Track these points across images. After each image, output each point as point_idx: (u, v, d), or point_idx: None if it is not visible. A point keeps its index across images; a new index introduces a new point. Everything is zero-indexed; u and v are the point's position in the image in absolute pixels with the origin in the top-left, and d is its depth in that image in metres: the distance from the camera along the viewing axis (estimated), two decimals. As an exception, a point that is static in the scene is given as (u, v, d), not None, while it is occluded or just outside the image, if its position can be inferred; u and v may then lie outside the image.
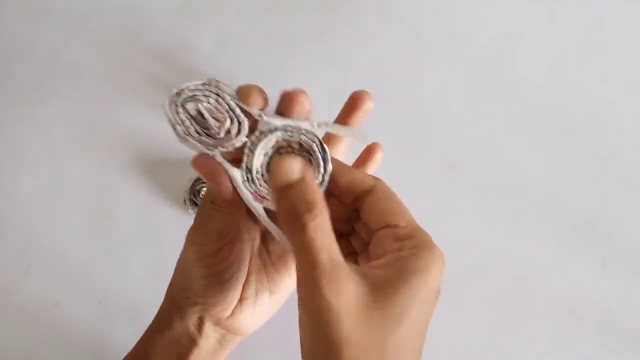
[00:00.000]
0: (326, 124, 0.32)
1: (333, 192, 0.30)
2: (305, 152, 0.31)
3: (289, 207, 0.24)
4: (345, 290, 0.23)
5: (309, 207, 0.24)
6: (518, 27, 0.63)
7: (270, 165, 0.29)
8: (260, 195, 0.29)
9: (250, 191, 0.29)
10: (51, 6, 0.69)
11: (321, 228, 0.24)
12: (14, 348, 0.59)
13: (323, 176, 0.29)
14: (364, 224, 0.30)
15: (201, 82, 0.30)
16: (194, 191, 0.57)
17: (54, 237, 0.61)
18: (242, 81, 0.64)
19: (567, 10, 0.63)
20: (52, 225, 0.62)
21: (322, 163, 0.29)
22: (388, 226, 0.27)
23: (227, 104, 0.30)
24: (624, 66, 0.61)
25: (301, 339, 0.26)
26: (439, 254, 0.26)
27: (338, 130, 0.31)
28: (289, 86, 0.63)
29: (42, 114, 0.65)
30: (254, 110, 0.30)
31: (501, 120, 0.61)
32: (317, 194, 0.25)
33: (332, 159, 0.30)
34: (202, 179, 0.57)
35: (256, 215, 0.29)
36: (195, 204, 0.57)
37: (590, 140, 0.59)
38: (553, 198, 0.58)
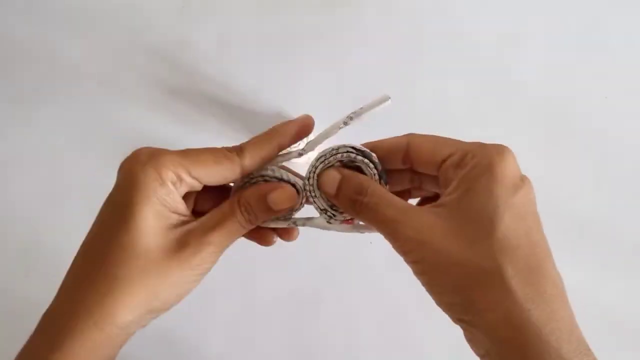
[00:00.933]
0: (351, 118, 0.33)
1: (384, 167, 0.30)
2: (351, 163, 0.32)
3: (351, 201, 0.28)
4: (426, 222, 0.25)
5: (364, 191, 0.28)
6: (518, 27, 0.63)
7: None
8: (347, 220, 0.30)
9: (340, 222, 0.31)
10: (51, 7, 0.69)
11: (382, 199, 0.27)
12: (14, 348, 0.59)
13: (379, 175, 0.30)
14: (427, 177, 0.30)
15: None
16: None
17: (54, 238, 0.61)
18: (242, 81, 0.65)
19: (567, 10, 0.63)
20: (52, 226, 0.62)
21: (372, 166, 0.30)
22: (443, 162, 0.27)
23: (280, 175, 0.32)
24: (624, 66, 0.61)
25: (419, 278, 0.27)
26: (497, 146, 0.26)
27: (366, 112, 0.32)
28: (288, 86, 0.64)
29: (43, 115, 0.65)
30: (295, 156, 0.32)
31: (501, 120, 0.61)
32: (360, 177, 0.29)
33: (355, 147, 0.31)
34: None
35: (338, 230, 0.31)
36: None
37: (590, 140, 0.59)
38: (552, 198, 0.58)
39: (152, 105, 0.64)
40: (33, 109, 0.66)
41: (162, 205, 0.27)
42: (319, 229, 0.31)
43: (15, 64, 0.68)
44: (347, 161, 0.30)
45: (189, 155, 0.28)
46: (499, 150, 0.26)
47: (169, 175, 0.27)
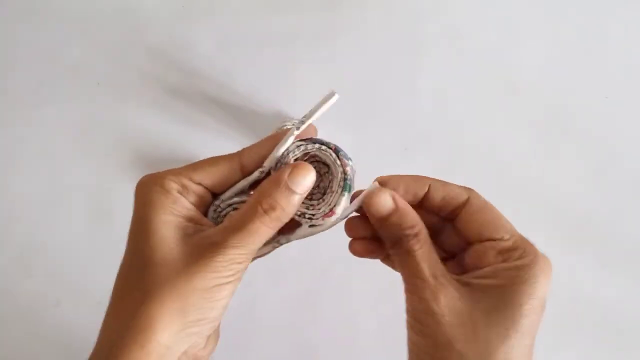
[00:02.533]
0: (302, 122, 0.31)
1: (427, 208, 0.29)
2: (321, 162, 0.30)
3: (393, 236, 0.27)
4: (446, 298, 0.25)
5: (413, 233, 0.26)
6: (518, 26, 0.63)
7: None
8: (326, 214, 0.29)
9: (321, 218, 0.29)
10: (51, 8, 0.69)
11: (425, 251, 0.26)
12: (14, 347, 0.59)
13: (345, 178, 0.28)
14: (457, 233, 0.29)
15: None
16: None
17: (54, 237, 0.62)
18: (242, 81, 0.65)
19: (567, 10, 0.63)
20: (52, 226, 0.62)
21: (338, 163, 0.29)
22: (490, 239, 0.27)
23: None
24: (624, 66, 0.61)
25: (409, 338, 0.27)
26: (547, 263, 0.26)
27: (316, 112, 0.31)
28: (288, 86, 0.64)
29: (43, 115, 0.65)
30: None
31: (501, 120, 0.61)
32: (416, 217, 0.27)
33: (422, 177, 0.29)
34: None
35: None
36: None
37: (590, 140, 0.59)
38: (552, 198, 0.58)
39: (152, 105, 0.64)
40: (33, 109, 0.66)
41: (173, 215, 0.27)
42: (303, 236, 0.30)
43: (15, 64, 0.68)
44: (302, 156, 0.29)
45: (189, 165, 0.29)
46: (547, 269, 0.25)
47: (172, 185, 0.28)
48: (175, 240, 0.27)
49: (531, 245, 0.26)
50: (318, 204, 0.28)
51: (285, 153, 0.29)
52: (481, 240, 0.27)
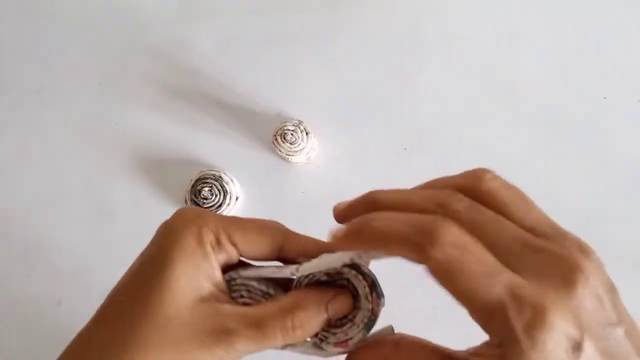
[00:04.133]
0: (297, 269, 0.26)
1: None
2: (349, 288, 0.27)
3: None
4: None
5: None
6: (518, 26, 0.63)
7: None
8: (340, 344, 0.26)
9: (333, 345, 0.26)
10: (52, 8, 0.69)
11: None
12: (15, 347, 0.59)
13: (369, 287, 0.26)
14: None
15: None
16: (194, 191, 0.57)
17: (55, 237, 0.62)
18: (242, 81, 0.65)
19: (566, 10, 0.63)
20: (53, 225, 0.62)
21: (361, 278, 0.26)
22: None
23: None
24: (623, 66, 0.61)
25: None
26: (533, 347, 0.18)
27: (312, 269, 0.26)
28: (288, 86, 0.64)
29: (43, 115, 0.66)
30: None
31: (500, 120, 0.61)
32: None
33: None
34: (202, 179, 0.57)
35: None
36: (196, 203, 0.57)
37: (589, 141, 0.59)
38: (552, 198, 0.57)
39: (152, 105, 0.64)
40: (33, 109, 0.66)
41: (197, 269, 0.25)
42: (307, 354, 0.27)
43: (15, 64, 0.68)
44: (334, 273, 0.26)
45: (233, 219, 0.26)
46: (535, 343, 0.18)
47: (210, 236, 0.25)
48: (189, 301, 0.24)
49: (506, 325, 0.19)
50: (334, 330, 0.26)
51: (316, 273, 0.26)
52: None
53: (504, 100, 0.61)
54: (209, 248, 0.25)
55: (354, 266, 0.26)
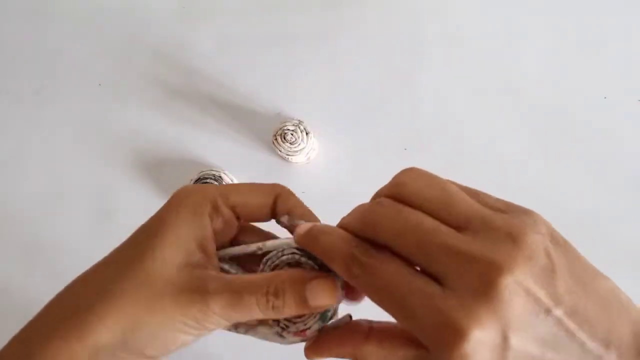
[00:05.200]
0: (260, 248, 0.28)
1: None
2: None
3: None
4: None
5: None
6: (518, 27, 0.63)
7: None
8: (300, 332, 0.27)
9: (292, 334, 0.27)
10: (52, 8, 0.69)
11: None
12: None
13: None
14: None
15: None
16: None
17: (55, 237, 0.62)
18: (242, 81, 0.65)
19: (566, 10, 0.63)
20: (53, 225, 0.62)
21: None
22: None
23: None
24: (623, 66, 0.61)
25: None
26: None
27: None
28: (288, 86, 0.64)
29: (44, 115, 0.66)
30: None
31: (500, 120, 0.61)
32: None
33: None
34: (202, 179, 0.57)
35: None
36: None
37: (589, 141, 0.59)
38: (552, 198, 0.58)
39: (152, 105, 0.64)
40: (33, 109, 0.66)
41: (191, 237, 0.25)
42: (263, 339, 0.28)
43: (15, 64, 0.68)
44: (293, 262, 0.27)
45: (231, 185, 0.28)
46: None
47: (207, 206, 0.26)
48: (175, 264, 0.25)
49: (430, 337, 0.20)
50: (295, 319, 0.27)
51: (280, 254, 0.27)
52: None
53: (504, 100, 0.61)
54: (206, 219, 0.26)
55: (311, 257, 0.26)
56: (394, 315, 0.21)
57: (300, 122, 0.57)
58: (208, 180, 0.57)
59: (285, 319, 0.27)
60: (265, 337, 0.27)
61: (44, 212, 0.62)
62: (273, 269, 0.27)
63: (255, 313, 0.24)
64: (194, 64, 0.65)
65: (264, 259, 0.27)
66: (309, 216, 0.28)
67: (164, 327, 0.24)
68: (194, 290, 0.24)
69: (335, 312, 0.27)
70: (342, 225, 0.25)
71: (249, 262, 0.29)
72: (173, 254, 0.25)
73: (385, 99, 0.62)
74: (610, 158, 0.59)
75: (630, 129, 0.59)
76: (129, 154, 0.63)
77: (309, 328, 0.26)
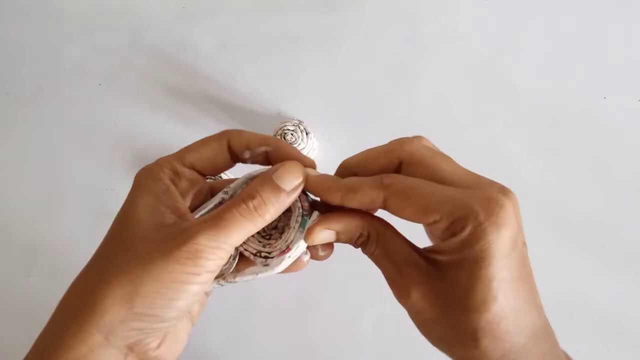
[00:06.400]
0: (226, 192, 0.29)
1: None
2: None
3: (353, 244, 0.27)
4: (416, 292, 0.24)
5: (361, 241, 0.27)
6: (518, 27, 0.63)
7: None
8: (282, 252, 0.28)
9: (277, 256, 0.28)
10: (52, 9, 0.69)
11: (381, 250, 0.26)
12: (15, 346, 0.59)
13: (302, 208, 0.28)
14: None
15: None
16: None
17: (55, 237, 0.62)
18: (242, 81, 0.65)
19: (566, 10, 0.63)
20: (53, 225, 0.62)
21: (298, 205, 0.28)
22: (425, 224, 0.25)
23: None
24: (623, 66, 0.61)
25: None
26: (492, 211, 0.22)
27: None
28: (288, 86, 0.64)
29: (44, 115, 0.66)
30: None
31: (500, 120, 0.61)
32: (359, 226, 0.27)
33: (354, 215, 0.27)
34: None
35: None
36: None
37: (589, 141, 0.59)
38: (552, 198, 0.58)
39: (152, 105, 0.64)
40: (33, 109, 0.66)
41: (157, 202, 0.26)
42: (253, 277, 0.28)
43: (15, 64, 0.68)
44: None
45: (183, 148, 0.29)
46: (495, 220, 0.22)
47: (165, 172, 0.27)
48: (150, 225, 0.25)
49: (467, 205, 0.23)
50: (276, 242, 0.28)
51: (242, 184, 0.28)
52: (427, 224, 0.25)
53: (504, 100, 0.61)
54: (167, 182, 0.27)
55: None
56: (424, 208, 0.24)
57: (300, 122, 0.57)
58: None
59: (264, 248, 0.27)
60: (255, 274, 0.27)
61: (44, 212, 0.62)
62: None
63: (242, 225, 0.25)
64: (194, 64, 0.65)
65: (229, 197, 0.28)
66: (267, 141, 0.28)
67: (162, 280, 0.24)
68: (177, 234, 0.24)
69: (309, 215, 0.28)
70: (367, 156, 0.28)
71: None
72: (148, 219, 0.25)
73: (385, 99, 0.62)
74: (610, 158, 0.59)
75: (630, 129, 0.59)
76: (129, 154, 0.63)
77: (290, 242, 0.27)
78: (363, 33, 0.64)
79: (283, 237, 0.27)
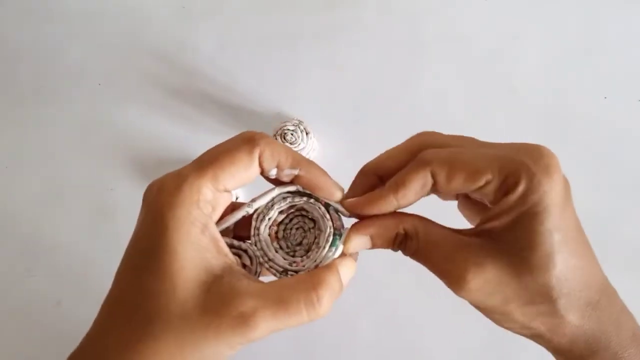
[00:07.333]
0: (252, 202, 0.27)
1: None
2: (306, 217, 0.28)
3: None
4: (474, 278, 0.23)
5: (402, 246, 0.26)
6: (518, 27, 0.63)
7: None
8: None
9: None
10: (53, 9, 0.69)
11: (424, 247, 0.24)
12: (14, 347, 0.59)
13: (329, 213, 0.27)
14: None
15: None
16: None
17: (54, 237, 0.62)
18: (242, 81, 0.65)
19: (566, 10, 0.63)
20: (52, 226, 0.62)
21: (319, 205, 0.27)
22: (478, 189, 0.23)
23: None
24: (623, 66, 0.61)
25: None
26: (542, 162, 0.23)
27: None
28: (288, 86, 0.64)
29: (44, 115, 0.66)
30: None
31: (500, 120, 0.61)
32: (393, 231, 0.25)
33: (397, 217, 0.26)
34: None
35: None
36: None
37: (589, 141, 0.59)
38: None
39: (153, 105, 0.64)
40: (33, 109, 0.66)
41: (199, 247, 0.23)
42: None
43: (15, 64, 0.68)
44: (287, 208, 0.27)
45: (208, 166, 0.24)
46: (546, 169, 0.22)
47: (202, 203, 0.23)
48: (198, 283, 0.22)
49: (518, 161, 0.22)
50: (302, 261, 0.26)
51: (270, 204, 0.27)
52: (474, 192, 0.24)
53: (504, 100, 0.61)
54: (204, 219, 0.23)
55: (303, 194, 0.26)
56: (473, 171, 0.23)
57: (300, 122, 0.57)
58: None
59: (290, 266, 0.26)
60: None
61: (44, 212, 0.62)
62: (266, 223, 0.27)
63: (300, 315, 0.23)
64: (194, 64, 0.65)
65: (254, 216, 0.27)
66: (299, 164, 0.26)
67: (213, 355, 0.22)
68: (232, 319, 0.22)
69: (341, 235, 0.26)
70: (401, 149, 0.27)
71: (237, 227, 0.28)
72: (194, 277, 0.22)
73: (385, 99, 0.62)
74: (610, 158, 0.59)
75: (631, 129, 0.59)
76: (129, 154, 0.63)
77: (321, 262, 0.26)
78: (363, 33, 0.64)
79: (311, 256, 0.26)
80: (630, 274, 0.55)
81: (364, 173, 0.27)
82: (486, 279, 0.22)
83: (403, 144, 0.27)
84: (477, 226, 0.24)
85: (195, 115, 0.63)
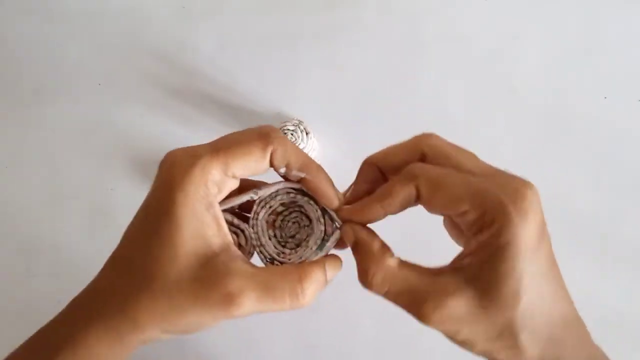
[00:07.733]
0: (255, 192, 0.29)
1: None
2: (304, 215, 0.30)
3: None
4: (448, 306, 0.24)
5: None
6: (518, 27, 0.63)
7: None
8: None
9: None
10: (53, 9, 0.69)
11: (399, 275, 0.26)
12: (14, 347, 0.59)
13: (322, 212, 0.29)
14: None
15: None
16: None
17: (54, 237, 0.62)
18: (242, 81, 0.65)
19: (566, 10, 0.63)
20: (52, 225, 0.62)
21: (314, 204, 0.28)
22: (452, 215, 0.25)
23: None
24: (623, 66, 0.61)
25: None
26: (518, 203, 0.23)
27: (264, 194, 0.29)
28: (288, 86, 0.64)
29: (44, 115, 0.66)
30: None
31: (500, 120, 0.61)
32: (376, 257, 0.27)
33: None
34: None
35: None
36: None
37: (589, 141, 0.59)
38: (552, 198, 0.58)
39: (152, 105, 0.64)
40: (33, 109, 0.66)
41: (202, 222, 0.25)
42: None
43: (15, 64, 0.68)
44: (289, 202, 0.29)
45: (222, 149, 0.25)
46: (523, 211, 0.23)
47: (210, 184, 0.25)
48: (197, 256, 0.24)
49: (496, 198, 0.23)
50: (289, 254, 0.28)
51: (274, 194, 0.28)
52: (447, 217, 0.25)
53: (504, 100, 0.61)
54: (211, 198, 0.25)
55: (305, 194, 0.28)
56: (455, 198, 0.24)
57: (300, 122, 0.57)
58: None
59: (277, 256, 0.28)
60: None
61: (44, 212, 0.62)
62: (268, 211, 0.28)
63: (284, 302, 0.25)
64: (194, 64, 0.65)
65: (257, 201, 0.28)
66: (307, 168, 0.27)
67: (191, 326, 0.25)
68: (219, 282, 0.24)
69: (331, 243, 0.29)
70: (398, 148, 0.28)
71: (241, 209, 0.30)
72: (193, 252, 0.24)
73: (385, 99, 0.62)
74: (610, 158, 0.59)
75: (631, 129, 0.59)
76: (129, 154, 0.63)
77: (304, 260, 0.28)
78: (363, 33, 0.64)
79: (299, 252, 0.28)
80: (630, 274, 0.55)
81: (368, 164, 0.29)
82: (448, 313, 0.23)
83: (406, 142, 0.28)
84: (454, 262, 0.26)
85: (195, 115, 0.63)
